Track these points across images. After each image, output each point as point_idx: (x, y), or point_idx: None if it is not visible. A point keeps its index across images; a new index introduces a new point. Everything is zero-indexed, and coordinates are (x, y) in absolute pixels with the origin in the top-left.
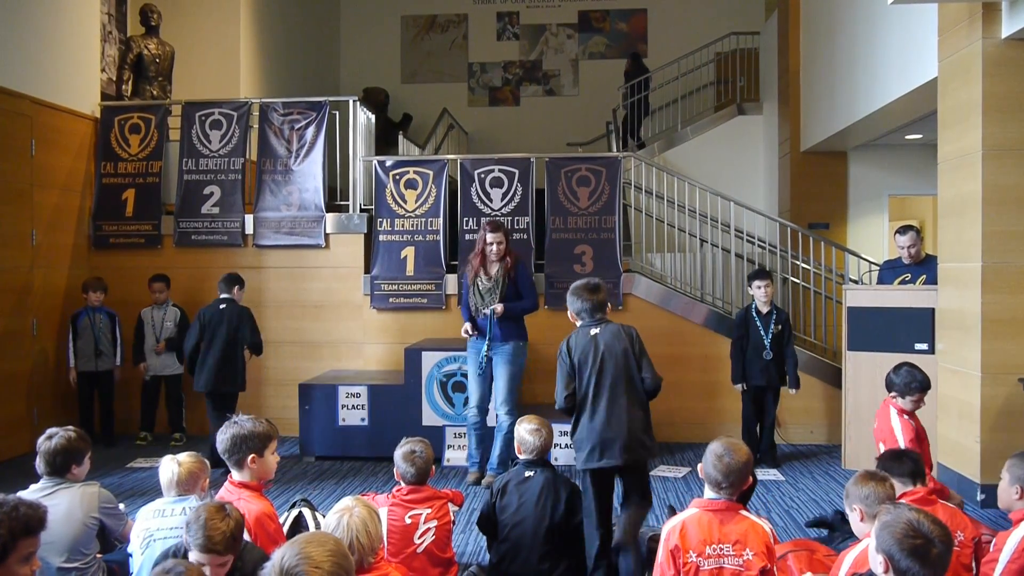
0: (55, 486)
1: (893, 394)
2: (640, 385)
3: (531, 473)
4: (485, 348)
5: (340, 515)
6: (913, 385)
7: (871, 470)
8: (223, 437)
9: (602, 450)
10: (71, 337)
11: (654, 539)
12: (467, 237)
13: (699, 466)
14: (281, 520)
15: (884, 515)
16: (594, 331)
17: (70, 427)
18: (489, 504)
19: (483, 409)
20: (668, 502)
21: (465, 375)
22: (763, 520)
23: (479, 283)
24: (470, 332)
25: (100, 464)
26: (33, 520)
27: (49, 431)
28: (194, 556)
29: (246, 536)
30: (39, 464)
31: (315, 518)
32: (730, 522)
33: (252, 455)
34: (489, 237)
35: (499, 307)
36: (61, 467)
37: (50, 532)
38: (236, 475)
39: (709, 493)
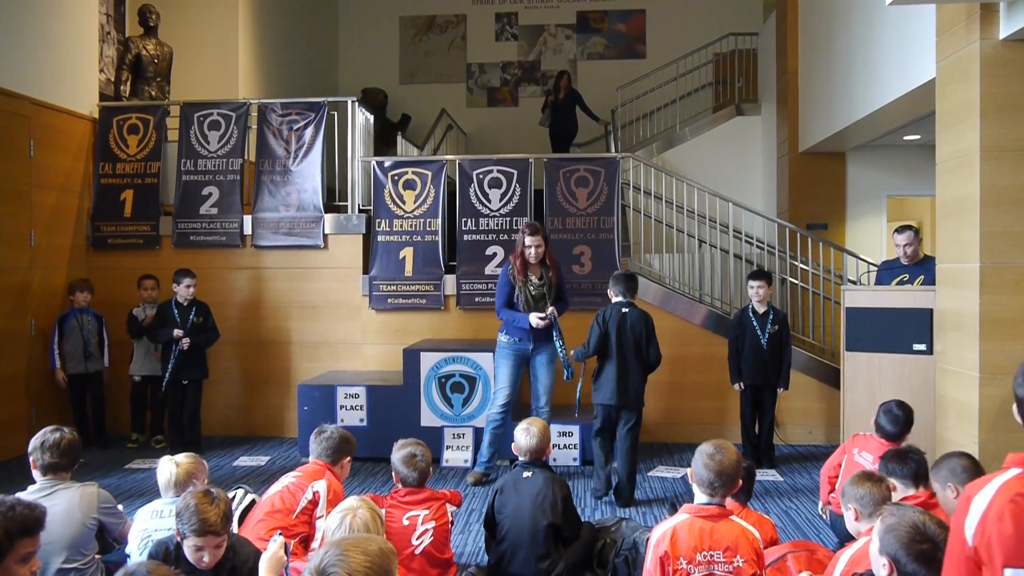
0: (53, 487)
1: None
2: (646, 357)
3: (529, 474)
4: (560, 347)
5: (343, 515)
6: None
7: (868, 471)
8: (327, 437)
9: (614, 393)
10: (56, 339)
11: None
12: (465, 238)
13: (688, 471)
14: None
15: (888, 517)
16: (624, 310)
17: (64, 427)
18: (489, 503)
19: (508, 411)
20: (669, 501)
21: (465, 376)
22: (766, 519)
23: (529, 289)
24: (544, 318)
25: (98, 465)
26: (30, 520)
27: (52, 427)
28: (191, 542)
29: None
30: (42, 459)
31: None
32: (721, 528)
33: (348, 457)
34: (528, 240)
35: (552, 309)
36: (68, 464)
37: (49, 532)
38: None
39: (700, 498)
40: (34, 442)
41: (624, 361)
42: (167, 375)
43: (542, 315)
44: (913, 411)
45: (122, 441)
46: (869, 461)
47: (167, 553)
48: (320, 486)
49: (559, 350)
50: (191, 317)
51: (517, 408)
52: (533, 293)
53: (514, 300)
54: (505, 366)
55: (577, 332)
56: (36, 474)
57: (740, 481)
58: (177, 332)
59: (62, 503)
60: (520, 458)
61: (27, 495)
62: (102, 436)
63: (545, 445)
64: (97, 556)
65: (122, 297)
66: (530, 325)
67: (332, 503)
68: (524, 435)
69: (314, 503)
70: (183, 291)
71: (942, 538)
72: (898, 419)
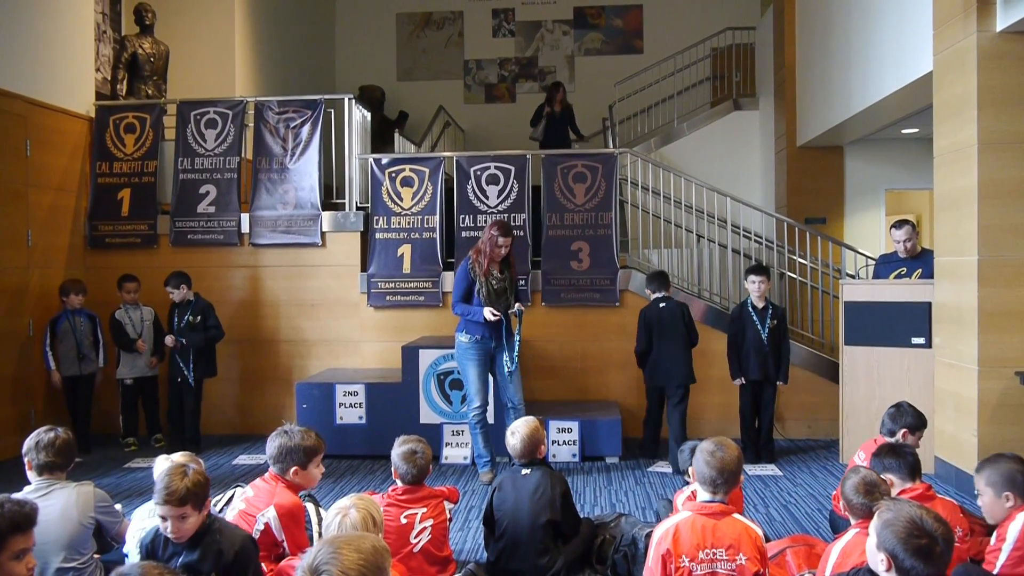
0: (49, 487)
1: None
2: (685, 340)
3: (527, 471)
4: (517, 346)
5: (337, 515)
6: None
7: (869, 480)
8: (272, 445)
9: (660, 376)
10: (48, 341)
11: (651, 535)
12: (463, 235)
13: (690, 468)
14: None
15: (885, 512)
16: (662, 304)
17: (59, 427)
18: (488, 500)
19: (486, 408)
20: (666, 496)
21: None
22: (754, 524)
23: (491, 283)
24: (496, 314)
25: (98, 464)
26: (19, 516)
27: (46, 428)
28: (158, 510)
29: (274, 525)
30: (37, 458)
31: (319, 513)
32: (723, 526)
33: (295, 467)
34: (501, 240)
35: (519, 305)
36: (63, 464)
37: (47, 532)
38: (276, 472)
39: (703, 495)
40: (29, 442)
41: (668, 348)
42: (190, 373)
43: (496, 311)
44: (921, 412)
45: (111, 441)
46: (862, 458)
47: (156, 536)
48: (268, 515)
49: (515, 346)
50: (187, 317)
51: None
52: (495, 287)
53: (474, 295)
54: (472, 367)
55: (576, 329)
56: (31, 475)
57: (742, 477)
58: (168, 339)
59: (58, 503)
60: (518, 461)
61: (22, 496)
62: (85, 440)
63: (535, 445)
64: (96, 556)
65: (120, 297)
66: (484, 319)
67: (290, 524)
68: (511, 438)
69: (267, 532)
70: (174, 295)
71: (940, 532)
72: (893, 414)
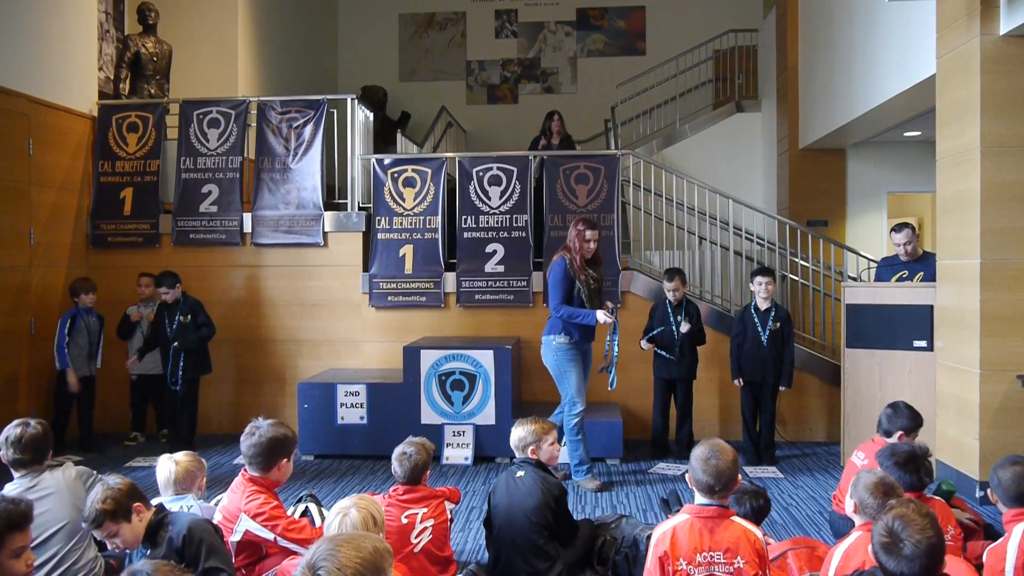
0: (32, 481)
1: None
2: None
3: (522, 473)
4: (615, 344)
5: (337, 515)
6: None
7: (888, 482)
8: (260, 439)
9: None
10: (64, 339)
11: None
12: (465, 235)
13: (687, 475)
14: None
15: (886, 514)
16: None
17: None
18: (488, 502)
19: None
20: (663, 499)
21: (465, 374)
22: (755, 529)
23: (590, 282)
24: (610, 317)
25: (98, 464)
26: (15, 515)
27: (17, 422)
28: None
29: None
30: (7, 454)
31: (321, 513)
32: (721, 529)
33: (284, 459)
34: (589, 234)
35: (612, 304)
36: (34, 459)
37: (47, 523)
38: (253, 473)
39: (700, 499)
40: (0, 438)
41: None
42: (177, 375)
43: (608, 311)
44: (918, 412)
45: (110, 440)
46: (861, 457)
47: None
48: (243, 524)
49: (615, 345)
50: (177, 317)
51: (518, 408)
52: (593, 286)
53: (574, 296)
54: (572, 369)
55: None
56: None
57: (740, 478)
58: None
59: (51, 492)
60: (516, 454)
61: (12, 491)
62: (88, 439)
63: (536, 440)
64: (98, 552)
65: (122, 295)
66: (596, 322)
67: (268, 523)
68: (518, 428)
69: (253, 538)
70: (167, 295)
71: (924, 539)
72: (890, 415)
